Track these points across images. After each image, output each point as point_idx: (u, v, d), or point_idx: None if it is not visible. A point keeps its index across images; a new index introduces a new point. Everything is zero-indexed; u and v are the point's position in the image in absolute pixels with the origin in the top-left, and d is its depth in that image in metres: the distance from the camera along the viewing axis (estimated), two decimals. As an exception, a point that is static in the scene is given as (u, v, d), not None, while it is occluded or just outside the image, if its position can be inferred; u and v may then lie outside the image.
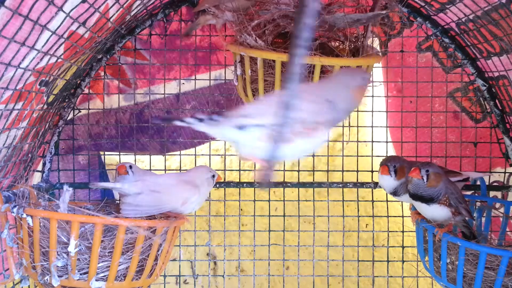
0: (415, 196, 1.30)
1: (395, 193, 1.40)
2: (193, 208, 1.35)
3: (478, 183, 1.50)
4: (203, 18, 1.39)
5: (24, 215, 1.17)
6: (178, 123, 0.88)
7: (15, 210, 1.18)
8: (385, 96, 1.59)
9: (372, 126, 1.58)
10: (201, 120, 0.90)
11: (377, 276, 1.64)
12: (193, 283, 1.72)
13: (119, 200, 1.42)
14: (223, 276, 1.64)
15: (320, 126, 0.93)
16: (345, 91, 1.01)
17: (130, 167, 1.38)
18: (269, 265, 1.63)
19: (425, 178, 1.28)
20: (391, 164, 1.38)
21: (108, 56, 1.51)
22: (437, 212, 1.30)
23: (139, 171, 1.39)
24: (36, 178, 1.51)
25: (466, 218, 1.32)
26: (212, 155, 1.60)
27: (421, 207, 1.32)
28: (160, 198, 1.28)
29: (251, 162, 0.95)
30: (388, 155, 1.56)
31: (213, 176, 1.38)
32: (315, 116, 0.92)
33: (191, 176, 1.35)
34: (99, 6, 1.08)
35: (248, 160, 0.94)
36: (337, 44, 1.35)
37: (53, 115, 1.43)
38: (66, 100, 1.49)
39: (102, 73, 1.55)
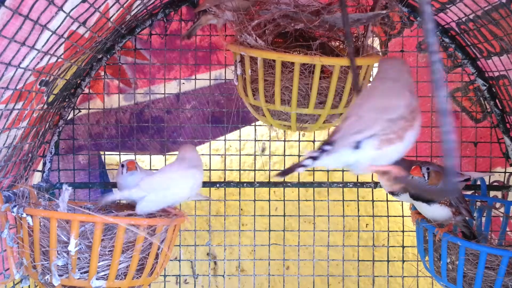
0: (415, 196, 1.30)
1: (393, 192, 1.41)
2: (196, 190, 1.36)
3: (478, 183, 1.50)
4: (205, 18, 1.39)
5: (24, 215, 1.17)
6: (300, 170, 0.89)
7: (15, 209, 1.18)
8: (385, 96, 1.59)
9: (372, 126, 1.58)
10: (315, 158, 0.90)
11: (377, 276, 1.64)
12: (193, 282, 1.72)
13: (119, 200, 1.42)
14: (223, 276, 1.64)
15: (417, 114, 0.95)
16: (408, 76, 1.03)
17: (136, 163, 1.39)
18: (269, 265, 1.63)
19: (426, 176, 1.28)
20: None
21: (108, 56, 1.51)
22: (437, 211, 1.30)
23: (143, 170, 1.40)
24: (36, 178, 1.51)
25: (467, 218, 1.32)
26: (212, 155, 1.60)
27: (422, 207, 1.32)
28: (169, 194, 1.29)
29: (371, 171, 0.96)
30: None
31: None
32: (410, 106, 0.95)
33: (189, 159, 1.34)
34: (99, 6, 1.08)
35: (371, 171, 0.95)
36: (338, 44, 1.36)
37: (53, 115, 1.43)
38: (66, 100, 1.49)
39: (102, 73, 1.55)
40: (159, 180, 1.30)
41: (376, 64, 1.51)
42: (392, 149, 0.92)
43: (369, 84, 1.06)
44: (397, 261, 1.64)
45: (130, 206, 1.35)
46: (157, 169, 1.57)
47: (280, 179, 0.97)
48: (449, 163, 0.69)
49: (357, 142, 0.91)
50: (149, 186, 1.29)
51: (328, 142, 0.92)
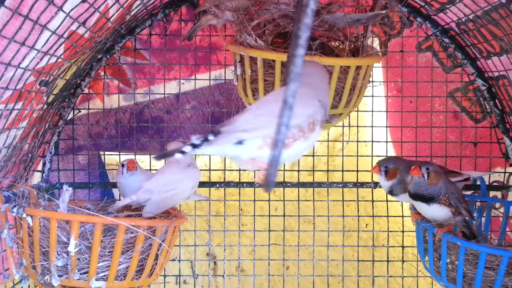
0: (415, 196, 1.30)
1: (391, 192, 1.41)
2: (197, 186, 1.37)
3: (478, 183, 1.50)
4: (205, 19, 1.39)
5: (24, 215, 1.17)
6: (179, 155, 0.87)
7: (15, 210, 1.18)
8: (385, 96, 1.59)
9: (372, 126, 1.58)
10: (196, 146, 0.89)
11: (377, 276, 1.64)
12: (193, 283, 1.72)
13: (120, 199, 1.42)
14: (223, 276, 1.64)
15: (316, 127, 0.94)
16: (325, 85, 1.01)
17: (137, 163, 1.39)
18: (269, 265, 1.63)
19: (425, 176, 1.28)
20: (382, 164, 1.40)
21: (108, 56, 1.51)
22: (437, 212, 1.30)
23: (143, 170, 1.40)
24: (36, 178, 1.51)
25: (466, 218, 1.32)
26: (212, 154, 1.60)
27: (421, 207, 1.32)
28: (173, 194, 1.30)
29: (251, 166, 0.94)
30: (388, 155, 1.56)
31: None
32: (310, 118, 0.93)
33: (184, 158, 1.34)
34: (99, 6, 1.08)
35: (250, 166, 0.94)
36: (337, 44, 1.35)
37: (53, 115, 1.43)
38: (66, 100, 1.49)
39: (102, 73, 1.55)
40: (163, 182, 1.31)
41: (376, 64, 1.52)
42: (275, 153, 0.89)
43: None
44: (397, 261, 1.64)
45: (130, 207, 1.35)
46: (156, 169, 1.57)
47: (159, 161, 0.95)
48: (275, 153, 0.69)
49: (241, 139, 0.90)
50: (154, 187, 1.29)
51: (215, 131, 0.91)
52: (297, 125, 0.91)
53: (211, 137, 0.89)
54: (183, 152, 0.87)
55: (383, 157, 1.48)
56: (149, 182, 1.31)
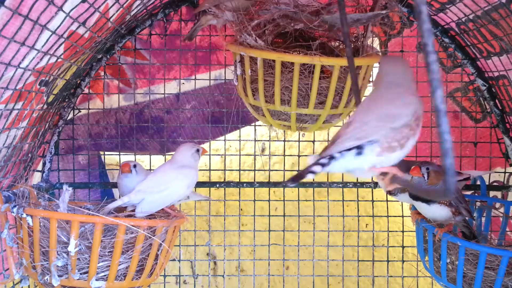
0: (415, 196, 1.30)
1: (390, 191, 1.41)
2: (191, 189, 1.36)
3: (478, 183, 1.50)
4: (204, 19, 1.39)
5: (24, 215, 1.17)
6: (309, 176, 0.90)
7: (15, 210, 1.18)
8: (385, 96, 1.59)
9: (372, 126, 1.58)
10: (324, 165, 0.91)
11: (377, 276, 1.64)
12: (193, 283, 1.72)
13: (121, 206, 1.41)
14: (223, 276, 1.64)
15: (420, 122, 0.96)
16: (411, 79, 1.03)
17: (134, 166, 1.38)
18: (269, 265, 1.63)
19: (425, 176, 1.28)
20: None
21: (108, 56, 1.51)
22: (437, 212, 1.30)
23: (143, 171, 1.38)
24: (36, 178, 1.51)
25: (467, 218, 1.32)
26: (212, 155, 1.60)
27: (421, 207, 1.32)
28: (166, 195, 1.29)
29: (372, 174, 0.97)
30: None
31: (197, 150, 1.37)
32: (415, 114, 0.95)
33: (179, 160, 1.35)
34: (99, 6, 1.08)
35: (370, 174, 0.96)
36: (337, 44, 1.35)
37: (53, 115, 1.43)
38: (66, 100, 1.49)
39: (102, 73, 1.55)
40: (154, 182, 1.30)
41: (376, 64, 1.52)
42: (393, 156, 0.93)
43: (373, 88, 1.07)
44: (397, 261, 1.64)
45: (125, 208, 1.35)
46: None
47: (293, 185, 0.98)
48: (448, 163, 0.69)
49: (359, 148, 0.92)
50: (146, 188, 1.29)
51: (332, 146, 0.93)
52: (406, 125, 0.94)
53: (337, 155, 0.91)
54: (313, 172, 0.91)
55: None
56: (142, 183, 1.31)
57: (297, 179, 0.93)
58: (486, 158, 1.56)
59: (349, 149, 0.92)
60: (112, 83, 1.56)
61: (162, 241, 1.23)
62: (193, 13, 1.52)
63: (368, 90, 1.54)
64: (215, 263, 1.75)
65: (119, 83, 1.56)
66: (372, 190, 1.59)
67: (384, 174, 1.14)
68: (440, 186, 1.28)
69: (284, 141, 1.60)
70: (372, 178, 1.57)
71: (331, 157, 0.91)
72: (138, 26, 1.51)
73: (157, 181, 1.31)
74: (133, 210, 1.32)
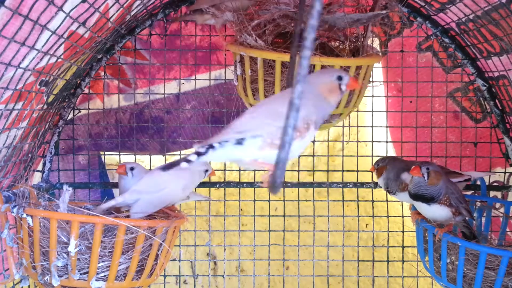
0: (416, 196, 1.30)
1: (388, 190, 1.41)
2: (189, 191, 1.36)
3: (478, 183, 1.50)
4: (202, 18, 1.39)
5: (24, 215, 1.17)
6: (184, 164, 0.89)
7: (15, 210, 1.18)
8: (385, 96, 1.59)
9: (372, 126, 1.58)
10: (201, 154, 0.90)
11: (377, 276, 1.64)
12: (193, 283, 1.72)
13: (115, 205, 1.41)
14: (223, 276, 1.64)
15: (311, 127, 0.96)
16: (314, 89, 1.02)
17: (132, 168, 1.37)
18: (269, 265, 1.63)
19: (425, 175, 1.28)
20: (376, 163, 1.44)
21: (108, 56, 1.51)
22: (437, 212, 1.30)
23: (142, 172, 1.38)
24: (36, 178, 1.51)
25: (467, 218, 1.32)
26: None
27: (422, 207, 1.32)
28: (161, 195, 1.29)
29: (254, 167, 0.96)
30: (388, 155, 1.56)
31: (206, 170, 1.37)
32: (305, 118, 0.95)
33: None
34: (99, 6, 1.08)
35: (253, 167, 0.96)
36: (337, 44, 1.35)
37: (53, 115, 1.43)
38: (66, 100, 1.49)
39: (102, 73, 1.55)
40: (150, 182, 1.30)
41: (376, 64, 1.52)
42: (275, 153, 0.92)
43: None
44: (397, 261, 1.64)
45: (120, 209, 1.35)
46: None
47: (169, 170, 0.98)
48: (282, 156, 0.69)
49: (240, 139, 0.92)
50: (141, 188, 1.29)
51: (216, 136, 0.94)
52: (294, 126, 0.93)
53: (216, 145, 0.91)
54: (189, 161, 0.89)
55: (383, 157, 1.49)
56: (137, 183, 1.31)
57: (171, 167, 0.91)
58: (486, 158, 1.56)
59: (228, 140, 0.92)
60: (112, 83, 1.56)
61: (162, 241, 1.23)
62: (188, 10, 1.51)
63: (368, 90, 1.55)
64: (215, 263, 1.75)
65: (119, 83, 1.56)
66: (372, 190, 1.59)
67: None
68: (439, 186, 1.28)
69: (284, 141, 1.59)
70: (372, 178, 1.57)
71: (210, 146, 0.91)
72: (138, 26, 1.51)
73: (152, 181, 1.30)
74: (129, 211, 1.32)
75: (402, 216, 1.60)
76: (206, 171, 1.37)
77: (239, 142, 0.92)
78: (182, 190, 1.32)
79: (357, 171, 1.58)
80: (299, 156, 1.61)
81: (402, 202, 1.59)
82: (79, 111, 1.55)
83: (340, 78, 1.00)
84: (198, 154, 0.90)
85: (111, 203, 1.28)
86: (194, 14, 1.41)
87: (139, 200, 1.28)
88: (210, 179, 1.59)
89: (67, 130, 1.55)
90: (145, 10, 1.41)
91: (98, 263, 1.17)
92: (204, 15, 1.38)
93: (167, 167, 0.92)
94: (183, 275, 1.70)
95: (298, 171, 1.60)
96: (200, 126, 1.58)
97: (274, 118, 0.92)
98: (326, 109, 1.00)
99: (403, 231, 1.60)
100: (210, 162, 1.58)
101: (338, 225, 1.64)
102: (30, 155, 1.35)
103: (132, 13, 1.31)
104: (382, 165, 1.42)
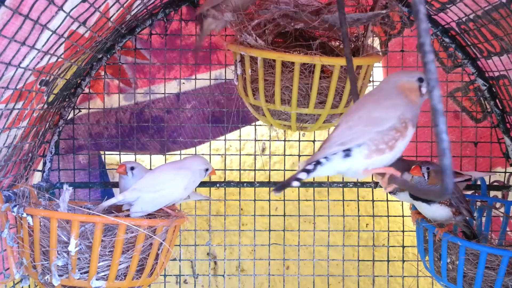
0: (416, 196, 1.30)
1: (391, 191, 1.41)
2: (190, 192, 1.35)
3: (479, 182, 1.50)
4: (206, 24, 1.39)
5: (25, 215, 1.17)
6: (295, 184, 0.91)
7: (15, 209, 1.18)
8: (385, 96, 1.59)
9: (372, 126, 1.58)
10: (310, 171, 0.93)
11: (377, 276, 1.64)
12: (193, 282, 1.72)
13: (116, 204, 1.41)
14: (223, 275, 1.64)
15: (408, 125, 0.97)
16: (395, 90, 1.03)
17: (132, 168, 1.37)
18: (269, 264, 1.63)
19: (426, 175, 1.28)
20: None
21: (108, 56, 1.51)
22: (438, 212, 1.30)
23: (142, 171, 1.38)
24: (37, 177, 1.51)
25: (467, 218, 1.32)
26: (212, 154, 1.60)
27: (422, 207, 1.32)
28: (161, 195, 1.29)
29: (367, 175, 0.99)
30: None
31: (206, 169, 1.36)
32: (401, 117, 0.96)
33: (186, 163, 1.35)
34: (100, 6, 1.08)
35: (365, 175, 0.97)
36: (337, 43, 1.35)
37: (53, 115, 1.43)
38: (67, 100, 1.49)
39: (103, 73, 1.55)
40: (151, 181, 1.30)
41: (376, 64, 1.52)
42: (384, 158, 0.95)
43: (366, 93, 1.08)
44: (397, 261, 1.64)
45: (121, 208, 1.35)
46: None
47: (279, 194, 1.00)
48: (445, 163, 0.69)
49: (347, 149, 0.93)
50: (142, 187, 1.28)
51: (319, 151, 0.95)
52: (393, 127, 0.95)
53: (323, 160, 0.93)
54: (299, 180, 0.91)
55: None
56: (138, 182, 1.31)
57: (283, 188, 0.93)
58: (486, 158, 1.56)
59: (336, 153, 0.93)
60: (113, 83, 1.56)
61: (163, 241, 1.23)
62: (193, 13, 1.52)
63: (369, 89, 1.54)
64: (215, 262, 1.75)
65: (120, 83, 1.56)
66: (372, 190, 1.59)
67: (382, 175, 1.15)
68: (439, 186, 1.28)
69: (285, 140, 1.60)
70: (372, 178, 1.57)
71: (317, 163, 0.93)
72: (138, 25, 1.51)
73: (153, 180, 1.30)
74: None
75: (403, 216, 1.61)
76: (207, 170, 1.36)
77: (347, 154, 0.93)
78: (183, 190, 1.32)
79: (357, 170, 1.58)
80: (299, 156, 1.61)
81: (402, 201, 1.59)
82: (80, 111, 1.55)
83: (421, 80, 1.01)
84: (307, 171, 0.92)
85: (111, 201, 1.28)
86: (199, 22, 1.41)
87: (139, 199, 1.28)
88: (210, 178, 1.59)
89: (67, 129, 1.55)
90: (145, 10, 1.41)
91: (99, 263, 1.17)
92: (207, 19, 1.37)
93: (279, 188, 0.92)
94: (184, 275, 1.70)
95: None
96: (201, 126, 1.58)
97: (372, 124, 0.94)
98: (413, 108, 1.00)
99: (403, 231, 1.60)
100: (210, 161, 1.58)
101: (338, 224, 1.64)
102: (30, 154, 1.35)
103: (133, 12, 1.31)
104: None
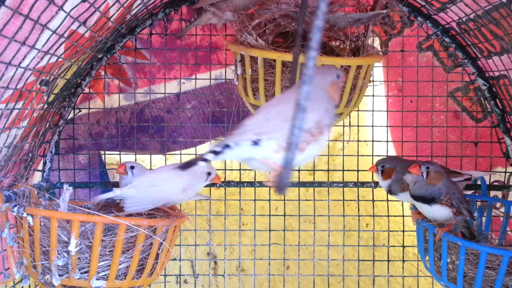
0: (417, 197, 1.30)
1: (390, 191, 1.41)
2: (190, 195, 1.35)
3: (479, 182, 1.50)
4: (205, 17, 1.39)
5: (25, 214, 1.17)
6: (202, 163, 0.90)
7: (15, 209, 1.18)
8: (385, 96, 1.59)
9: (372, 126, 1.58)
10: (218, 153, 0.91)
11: (377, 276, 1.64)
12: (194, 282, 1.72)
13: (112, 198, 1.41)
14: (223, 275, 1.64)
15: (324, 130, 0.97)
16: (321, 92, 1.02)
17: (132, 167, 1.37)
18: (269, 264, 1.63)
19: (424, 174, 1.28)
20: (379, 164, 1.41)
21: (108, 56, 1.51)
22: (438, 212, 1.29)
23: (142, 171, 1.38)
24: (37, 177, 1.51)
25: (467, 218, 1.32)
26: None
27: (423, 207, 1.31)
28: (157, 191, 1.28)
29: (264, 167, 0.97)
30: (388, 154, 1.56)
31: (209, 173, 1.35)
32: (318, 122, 0.96)
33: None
34: (100, 6, 1.08)
35: (262, 166, 0.96)
36: (338, 43, 1.35)
37: (53, 115, 1.43)
38: (67, 100, 1.49)
39: (103, 73, 1.55)
40: (149, 179, 1.30)
41: (376, 64, 1.52)
42: (290, 155, 0.93)
43: (291, 89, 1.07)
44: (397, 261, 1.64)
45: (118, 205, 1.35)
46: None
47: (186, 171, 0.99)
48: (289, 156, 0.69)
49: (257, 140, 0.93)
50: (141, 184, 1.28)
51: (227, 135, 0.95)
52: (308, 130, 0.95)
53: (232, 144, 0.92)
54: (205, 160, 0.90)
55: (383, 157, 1.48)
56: (137, 178, 1.31)
57: (189, 166, 0.92)
58: (486, 158, 1.56)
59: (247, 140, 0.93)
60: (113, 83, 1.56)
61: (163, 241, 1.23)
62: (192, 12, 1.52)
63: (369, 89, 1.55)
64: (215, 262, 1.75)
65: (120, 83, 1.56)
66: (372, 189, 1.59)
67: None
68: (438, 186, 1.28)
69: (285, 140, 1.59)
70: (372, 178, 1.57)
71: (226, 146, 0.92)
72: (138, 25, 1.51)
73: (151, 177, 1.31)
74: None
75: (403, 216, 1.60)
76: (209, 173, 1.35)
77: (256, 143, 0.93)
78: (182, 191, 1.31)
79: (358, 170, 1.58)
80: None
81: (402, 201, 1.59)
82: (80, 111, 1.55)
83: (338, 77, 1.03)
84: (215, 153, 0.91)
85: (108, 195, 1.28)
86: (197, 16, 1.41)
87: (134, 194, 1.27)
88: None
89: (68, 129, 1.55)
90: (145, 10, 1.41)
91: (99, 262, 1.17)
92: (208, 14, 1.38)
93: (184, 166, 0.92)
94: (184, 275, 1.70)
95: (299, 170, 1.60)
96: (201, 126, 1.58)
97: (287, 121, 0.93)
98: (333, 110, 1.01)
99: (403, 231, 1.60)
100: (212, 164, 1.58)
101: (338, 224, 1.64)
102: (30, 154, 1.35)
103: (133, 12, 1.31)
104: (390, 166, 1.40)
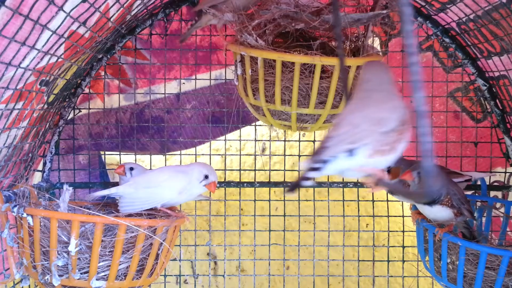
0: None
1: (391, 191, 1.41)
2: (187, 197, 1.34)
3: (479, 183, 1.50)
4: (206, 18, 1.39)
5: (25, 215, 1.17)
6: (306, 183, 0.91)
7: (15, 209, 1.18)
8: (385, 96, 1.59)
9: (372, 126, 1.58)
10: (318, 169, 0.92)
11: (377, 276, 1.64)
12: (194, 282, 1.72)
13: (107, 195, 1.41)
14: (223, 275, 1.64)
15: (407, 126, 0.97)
16: (392, 84, 1.03)
17: (131, 168, 1.37)
18: (269, 264, 1.63)
19: (417, 180, 1.27)
20: None
21: (108, 56, 1.51)
22: (439, 213, 1.29)
23: (141, 172, 1.37)
24: (37, 177, 1.51)
25: (468, 219, 1.32)
26: (213, 154, 1.60)
27: (424, 208, 1.31)
28: (153, 192, 1.28)
29: (359, 174, 0.99)
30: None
31: (206, 176, 1.32)
32: (401, 119, 0.97)
33: (186, 168, 1.34)
34: (100, 6, 1.08)
35: (357, 174, 0.98)
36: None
37: (53, 115, 1.43)
38: (67, 100, 1.49)
39: (103, 73, 1.55)
40: (145, 178, 1.30)
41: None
42: (384, 159, 0.95)
43: (360, 91, 1.07)
44: (397, 261, 1.64)
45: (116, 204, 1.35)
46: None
47: (293, 195, 1.01)
48: (427, 165, 0.69)
49: (352, 149, 0.93)
50: (138, 183, 1.28)
51: (323, 149, 0.95)
52: (394, 129, 0.95)
53: (330, 159, 0.92)
54: (308, 179, 0.92)
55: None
56: (135, 178, 1.31)
57: (295, 188, 0.94)
58: (486, 158, 1.56)
59: (342, 152, 0.93)
60: (113, 83, 1.56)
61: (163, 241, 1.23)
62: (192, 13, 1.52)
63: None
64: (215, 263, 1.75)
65: (120, 83, 1.56)
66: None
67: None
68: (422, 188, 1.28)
69: (285, 141, 1.60)
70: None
71: (324, 161, 0.93)
72: (138, 26, 1.51)
73: (149, 177, 1.31)
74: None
75: (403, 216, 1.60)
76: (206, 176, 1.32)
77: (351, 152, 0.93)
78: (177, 194, 1.30)
79: (358, 171, 1.57)
80: (300, 156, 1.61)
81: (402, 202, 1.59)
82: (80, 111, 1.55)
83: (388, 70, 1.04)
84: (315, 169, 0.92)
85: (104, 192, 1.29)
86: (198, 18, 1.41)
87: (131, 193, 1.27)
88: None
89: (68, 129, 1.55)
90: (145, 10, 1.41)
91: (99, 263, 1.17)
92: (208, 15, 1.38)
93: (291, 188, 0.93)
94: (184, 275, 1.70)
95: (299, 170, 1.60)
96: (201, 126, 1.58)
97: (377, 125, 0.94)
98: (409, 109, 1.00)
99: (403, 231, 1.60)
100: (210, 161, 1.58)
101: (338, 225, 1.64)
102: (30, 154, 1.35)
103: (133, 12, 1.31)
104: (396, 166, 1.40)
